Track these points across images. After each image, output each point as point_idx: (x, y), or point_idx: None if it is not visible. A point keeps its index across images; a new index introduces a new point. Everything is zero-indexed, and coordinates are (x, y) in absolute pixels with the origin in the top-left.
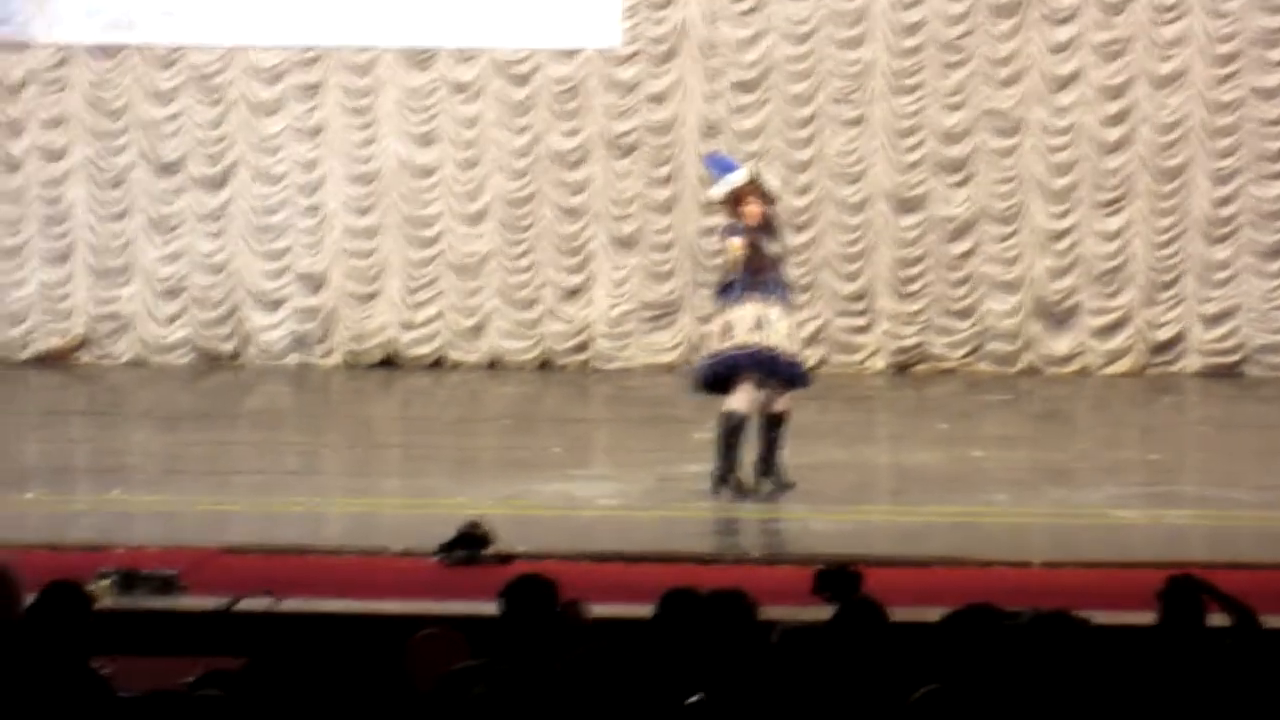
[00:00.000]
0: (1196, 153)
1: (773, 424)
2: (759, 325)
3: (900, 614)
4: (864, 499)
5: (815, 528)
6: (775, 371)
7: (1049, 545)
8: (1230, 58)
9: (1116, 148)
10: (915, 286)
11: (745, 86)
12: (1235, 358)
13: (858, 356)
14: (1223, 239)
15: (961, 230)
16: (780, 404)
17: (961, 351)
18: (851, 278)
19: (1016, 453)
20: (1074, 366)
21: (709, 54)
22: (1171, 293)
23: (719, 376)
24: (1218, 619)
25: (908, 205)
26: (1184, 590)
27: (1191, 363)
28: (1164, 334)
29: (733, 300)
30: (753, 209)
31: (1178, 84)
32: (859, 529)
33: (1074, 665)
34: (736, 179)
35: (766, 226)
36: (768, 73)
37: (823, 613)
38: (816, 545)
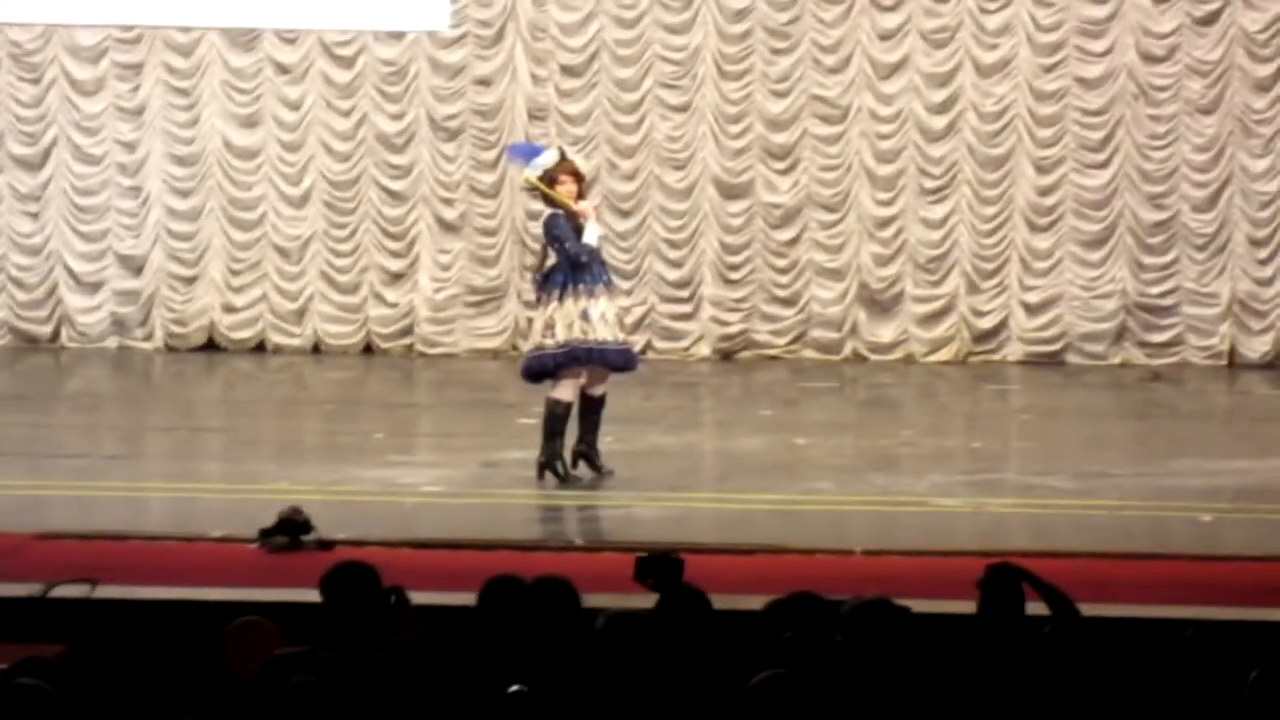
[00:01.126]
0: (1021, 141)
1: (591, 408)
2: (584, 317)
3: (722, 601)
4: (688, 485)
5: (639, 514)
6: (603, 363)
7: (871, 533)
8: (1055, 47)
9: (942, 135)
10: (741, 273)
11: (573, 71)
12: (1057, 346)
13: (683, 343)
14: (1046, 228)
15: (787, 217)
16: (599, 388)
17: (787, 338)
18: (677, 264)
19: (840, 440)
20: (898, 354)
21: (537, 37)
22: (995, 281)
23: (543, 372)
24: (1037, 608)
25: (734, 191)
26: (1003, 579)
27: (1014, 350)
28: (987, 322)
29: (555, 294)
30: (569, 188)
31: (1003, 73)
32: (683, 516)
33: (894, 653)
34: (546, 160)
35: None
36: (595, 56)
37: (646, 600)
38: (640, 532)
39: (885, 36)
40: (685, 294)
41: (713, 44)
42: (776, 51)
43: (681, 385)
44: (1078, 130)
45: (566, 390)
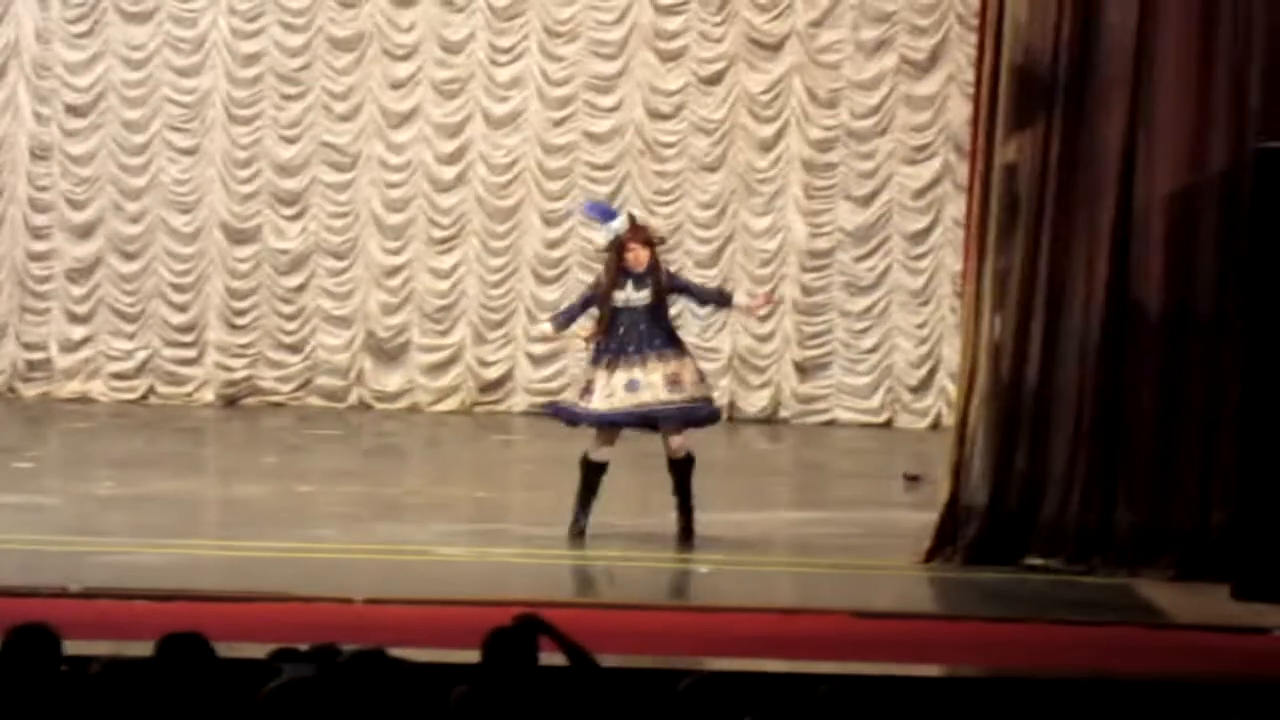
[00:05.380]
0: (530, 194)
1: (673, 469)
2: (630, 388)
3: (224, 649)
4: (191, 532)
5: (143, 561)
6: (653, 424)
7: (374, 581)
8: (564, 101)
9: (452, 186)
10: (247, 318)
11: (78, 110)
12: (561, 397)
13: (187, 388)
14: (553, 280)
15: (295, 263)
16: (675, 447)
17: (292, 385)
18: (182, 308)
19: (346, 488)
20: (405, 403)
21: (41, 75)
22: (502, 331)
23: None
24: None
25: (241, 236)
26: (523, 630)
27: (519, 401)
28: (493, 372)
29: (600, 361)
30: (637, 255)
31: (513, 125)
32: (186, 563)
33: (391, 702)
34: (617, 225)
35: (652, 271)
36: (102, 96)
37: (143, 648)
38: (144, 579)
39: (396, 85)
40: (190, 338)
41: (223, 88)
42: (287, 97)
43: (184, 430)
44: (586, 184)
45: (605, 452)
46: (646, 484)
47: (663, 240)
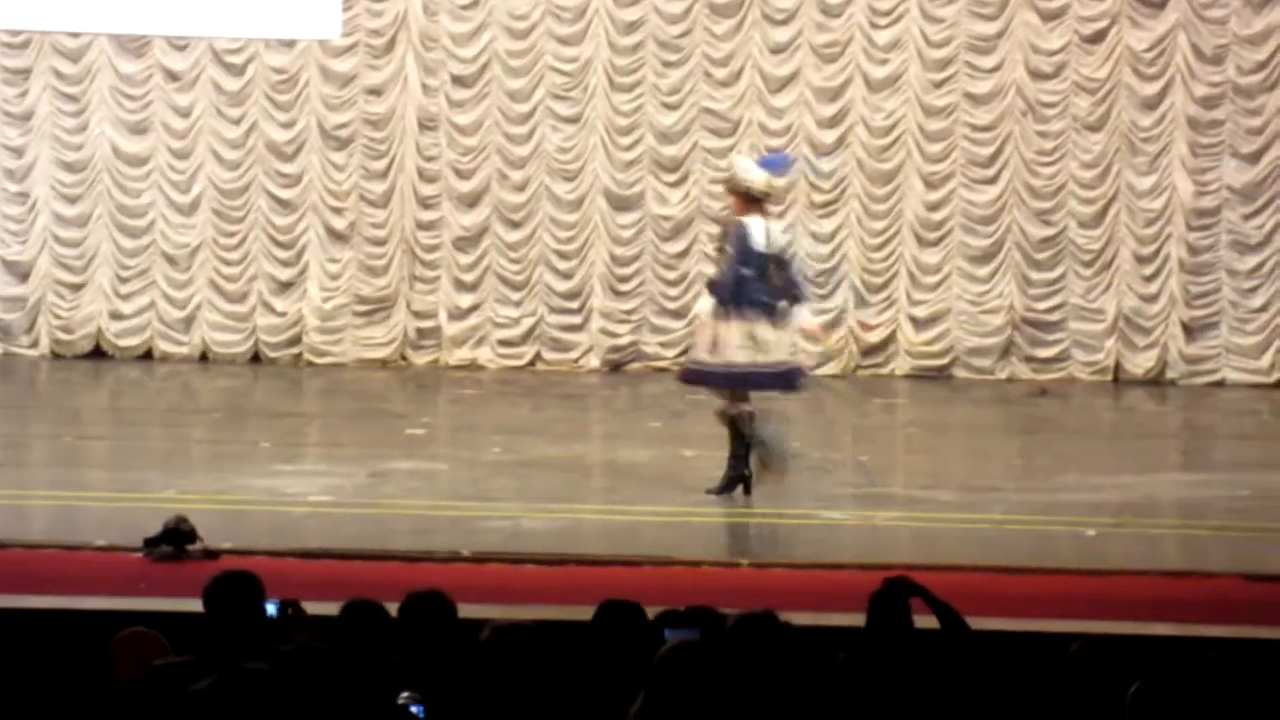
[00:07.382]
0: (910, 156)
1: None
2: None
3: None
4: (576, 497)
5: (526, 526)
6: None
7: (758, 545)
8: (944, 63)
9: (832, 149)
10: (630, 285)
11: (464, 81)
12: (944, 360)
13: (572, 354)
14: (934, 242)
15: (677, 229)
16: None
17: (675, 350)
18: (567, 275)
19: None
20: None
21: (428, 47)
22: (883, 295)
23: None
24: (927, 622)
25: (624, 203)
26: (895, 593)
27: (901, 364)
28: (875, 336)
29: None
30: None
31: (893, 88)
32: (570, 527)
33: (779, 666)
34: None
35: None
36: (487, 67)
37: (533, 612)
38: (527, 544)
39: (776, 50)
40: (575, 305)
41: (604, 56)
42: (668, 64)
43: (570, 396)
44: (967, 146)
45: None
46: (1028, 447)
47: (734, 187)
